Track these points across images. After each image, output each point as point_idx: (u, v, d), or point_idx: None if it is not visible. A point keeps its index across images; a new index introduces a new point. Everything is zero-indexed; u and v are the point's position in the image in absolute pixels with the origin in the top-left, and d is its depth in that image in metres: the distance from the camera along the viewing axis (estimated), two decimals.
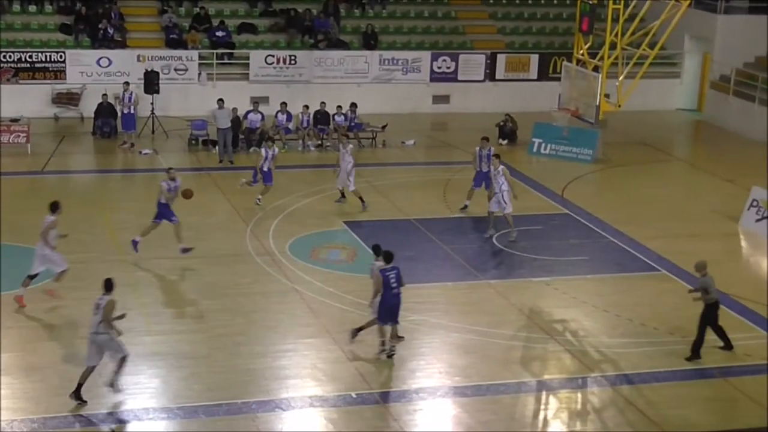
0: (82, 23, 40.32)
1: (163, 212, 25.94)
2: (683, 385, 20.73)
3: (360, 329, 21.55)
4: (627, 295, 25.09)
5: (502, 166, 27.85)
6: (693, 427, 19.07)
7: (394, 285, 20.93)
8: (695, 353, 21.56)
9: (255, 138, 35.95)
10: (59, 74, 38.96)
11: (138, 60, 39.43)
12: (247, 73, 40.71)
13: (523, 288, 25.02)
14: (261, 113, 36.18)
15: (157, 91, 37.38)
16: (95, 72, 39.09)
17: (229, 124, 34.56)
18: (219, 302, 23.49)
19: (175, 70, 39.96)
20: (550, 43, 45.05)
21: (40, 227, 23.10)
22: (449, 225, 29.09)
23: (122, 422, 18.48)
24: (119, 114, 36.36)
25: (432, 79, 42.59)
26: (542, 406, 20.14)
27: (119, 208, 29.59)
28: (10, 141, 34.35)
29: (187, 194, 26.23)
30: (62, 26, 40.64)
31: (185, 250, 25.70)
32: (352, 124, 37.16)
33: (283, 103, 36.72)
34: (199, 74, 40.26)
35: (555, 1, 46.77)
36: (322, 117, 36.78)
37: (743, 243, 29.60)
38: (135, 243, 25.74)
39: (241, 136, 35.86)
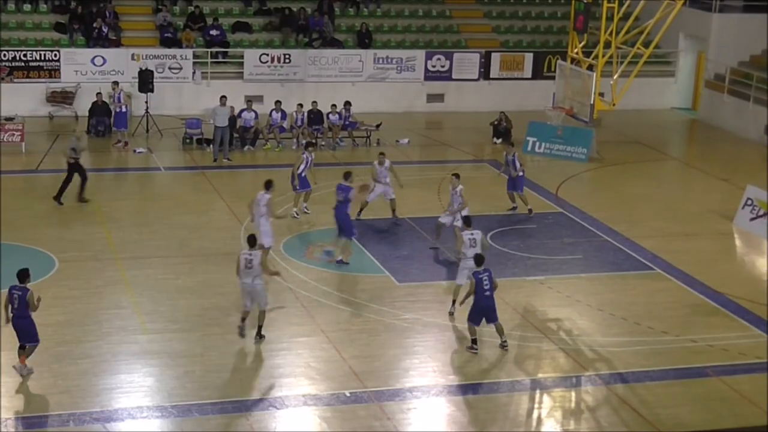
0: (77, 22, 40.29)
1: (343, 220, 26.14)
2: (677, 384, 20.74)
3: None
4: (621, 294, 25.11)
5: (460, 187, 26.84)
6: (687, 425, 19.08)
7: (487, 287, 21.17)
8: None
9: (249, 137, 35.95)
10: (54, 73, 38.92)
11: (132, 59, 39.41)
12: (242, 72, 40.71)
13: (517, 287, 25.02)
14: (255, 112, 36.17)
15: (152, 90, 37.34)
16: (90, 71, 39.06)
17: (227, 123, 34.54)
18: (213, 301, 23.47)
19: (170, 68, 39.94)
20: (545, 42, 45.07)
21: (255, 206, 25.02)
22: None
23: (116, 420, 18.45)
24: (113, 113, 36.33)
25: (426, 78, 42.59)
26: (536, 405, 20.15)
27: (113, 206, 29.54)
28: (5, 140, 34.29)
29: (365, 189, 27.25)
30: (57, 25, 40.61)
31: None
32: (347, 122, 37.16)
33: (278, 102, 36.71)
34: (194, 73, 40.24)
35: (549, 0, 46.79)
36: (315, 116, 36.77)
37: (738, 242, 29.62)
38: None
39: (236, 135, 35.84)
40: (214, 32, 41.23)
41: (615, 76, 36.63)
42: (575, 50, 37.47)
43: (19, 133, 34.51)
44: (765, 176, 32.23)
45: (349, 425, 18.66)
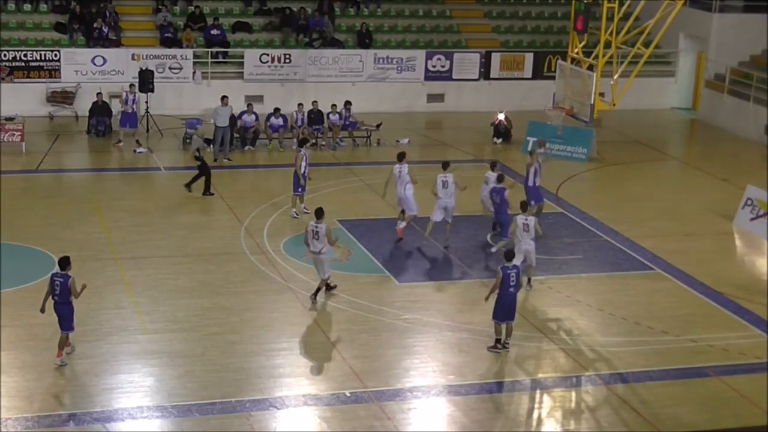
0: (77, 22, 40.28)
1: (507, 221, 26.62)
2: (677, 384, 20.75)
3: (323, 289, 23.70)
4: (621, 293, 25.11)
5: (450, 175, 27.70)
6: (687, 425, 19.08)
7: (513, 283, 21.27)
8: None
9: (249, 137, 35.94)
10: (54, 73, 38.92)
11: (133, 59, 39.41)
12: (242, 72, 40.70)
13: None
14: (255, 114, 36.13)
15: (152, 90, 37.33)
16: (90, 71, 39.05)
17: (227, 123, 34.52)
18: (213, 301, 23.49)
19: (170, 68, 39.94)
20: (545, 42, 45.07)
21: (395, 179, 27.46)
22: (443, 224, 29.03)
23: (116, 420, 18.46)
24: (119, 113, 36.11)
25: (426, 78, 42.60)
26: (536, 405, 20.16)
27: (113, 206, 29.55)
28: (5, 140, 34.28)
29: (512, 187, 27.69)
30: (57, 25, 40.61)
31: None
32: (347, 122, 37.15)
33: (277, 109, 36.48)
34: (194, 73, 40.24)
35: (550, 0, 46.79)
36: (315, 116, 36.75)
37: (738, 242, 29.62)
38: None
39: (236, 135, 35.83)
40: (214, 32, 41.22)
41: (615, 76, 36.63)
42: (575, 50, 37.47)
43: (19, 133, 34.50)
44: (765, 176, 32.24)
45: (350, 425, 18.66)
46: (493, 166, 28.34)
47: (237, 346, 21.36)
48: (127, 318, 22.36)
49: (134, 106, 35.85)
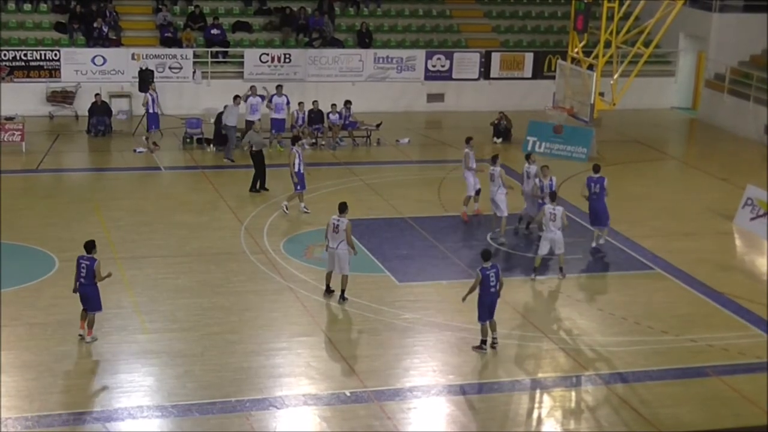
0: (77, 22, 40.30)
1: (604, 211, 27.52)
2: (677, 384, 20.74)
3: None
4: (621, 293, 25.12)
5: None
6: (687, 425, 19.08)
7: (493, 283, 21.32)
8: None
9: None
10: (54, 72, 38.94)
11: (132, 58, 39.43)
12: (242, 72, 40.70)
13: (517, 286, 25.01)
14: (286, 96, 35.95)
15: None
16: (90, 70, 39.06)
17: (235, 123, 34.40)
18: (213, 300, 23.48)
19: (170, 68, 39.94)
20: (545, 42, 45.07)
21: (492, 180, 27.77)
22: (443, 223, 29.09)
23: (116, 420, 18.46)
24: (145, 113, 36.01)
25: (426, 78, 42.61)
26: (536, 405, 20.16)
27: (113, 206, 29.55)
28: (5, 139, 34.29)
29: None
30: (57, 25, 40.62)
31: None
32: (347, 122, 37.15)
33: (301, 103, 36.61)
34: (194, 72, 40.25)
35: (550, 0, 46.79)
36: (316, 116, 36.75)
37: (738, 241, 29.62)
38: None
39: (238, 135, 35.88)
40: (214, 32, 41.23)
41: (615, 76, 36.64)
42: (575, 50, 37.48)
43: (19, 132, 34.51)
44: (765, 176, 32.25)
45: (349, 425, 18.66)
46: (494, 160, 28.60)
47: (237, 346, 21.36)
48: (126, 318, 22.35)
49: (156, 107, 35.78)
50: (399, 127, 39.19)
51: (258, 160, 30.99)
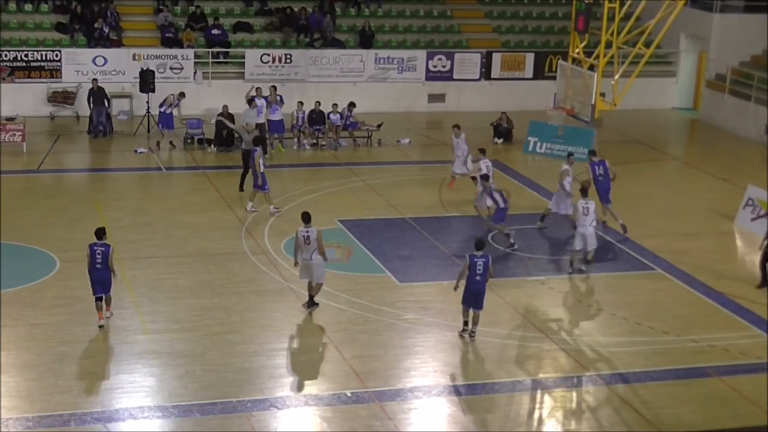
0: (78, 22, 40.31)
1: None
2: (678, 384, 20.74)
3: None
4: (622, 294, 25.11)
5: (463, 135, 30.71)
6: (688, 426, 19.08)
7: (479, 272, 21.56)
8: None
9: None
10: (55, 73, 38.96)
11: (133, 59, 39.44)
12: (243, 72, 40.72)
13: (518, 287, 25.03)
14: (281, 96, 35.99)
15: (153, 90, 37.32)
16: (91, 71, 39.02)
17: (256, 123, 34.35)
18: (214, 301, 23.48)
19: (171, 68, 39.96)
20: (546, 42, 45.07)
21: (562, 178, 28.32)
22: (444, 224, 29.10)
23: (117, 421, 18.46)
24: (158, 113, 35.95)
25: (427, 78, 42.62)
26: (537, 405, 20.15)
27: (114, 206, 29.56)
28: (6, 140, 34.31)
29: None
30: (58, 25, 40.63)
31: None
32: (348, 122, 37.13)
33: (300, 102, 36.67)
34: (195, 73, 40.25)
35: (550, 0, 46.79)
36: (317, 116, 36.74)
37: (738, 242, 29.61)
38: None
39: (237, 135, 35.87)
40: (215, 32, 41.24)
41: (616, 77, 36.62)
42: (576, 50, 37.45)
43: (20, 133, 34.53)
44: (765, 176, 32.21)
45: (350, 425, 18.66)
46: (482, 152, 29.95)
47: (238, 346, 21.36)
48: (127, 318, 22.36)
49: (173, 110, 35.76)
50: (400, 128, 39.20)
51: (246, 159, 30.93)
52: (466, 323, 22.05)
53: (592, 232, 25.73)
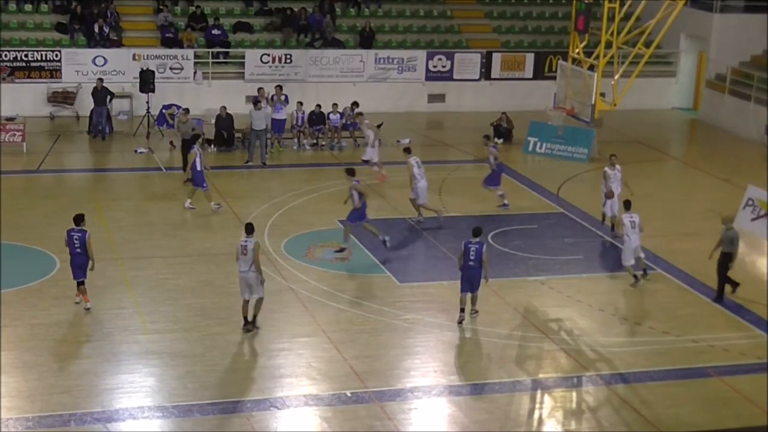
0: (78, 22, 40.31)
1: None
2: (678, 384, 20.74)
3: None
4: (622, 294, 25.10)
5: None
6: (688, 426, 19.08)
7: (472, 257, 22.39)
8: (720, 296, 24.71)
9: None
10: (55, 73, 38.96)
11: (133, 59, 39.44)
12: (243, 72, 40.73)
13: (518, 287, 25.03)
14: (286, 95, 36.03)
15: (153, 90, 37.32)
16: (91, 71, 39.02)
17: (264, 126, 34.29)
18: (214, 301, 23.47)
19: (171, 68, 39.95)
20: (546, 42, 45.07)
21: (608, 180, 28.68)
22: (444, 224, 29.06)
23: (117, 421, 18.46)
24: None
25: (427, 78, 42.62)
26: (537, 405, 20.15)
27: (114, 206, 29.56)
28: (6, 140, 34.30)
29: (609, 195, 28.74)
30: (58, 25, 40.63)
31: None
32: (348, 122, 37.11)
33: (300, 103, 36.71)
34: (195, 73, 40.25)
35: (550, 0, 46.79)
36: (317, 117, 36.73)
37: (738, 242, 29.53)
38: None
39: (238, 136, 35.91)
40: (215, 32, 41.24)
41: (616, 77, 36.63)
42: (576, 50, 37.46)
43: (20, 133, 34.52)
44: (765, 176, 32.20)
45: (350, 425, 18.66)
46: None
47: (238, 346, 21.36)
48: (127, 318, 22.36)
49: (282, 110, 35.76)
50: (400, 128, 39.18)
51: (185, 149, 31.15)
52: (462, 310, 22.61)
53: (637, 243, 25.37)
